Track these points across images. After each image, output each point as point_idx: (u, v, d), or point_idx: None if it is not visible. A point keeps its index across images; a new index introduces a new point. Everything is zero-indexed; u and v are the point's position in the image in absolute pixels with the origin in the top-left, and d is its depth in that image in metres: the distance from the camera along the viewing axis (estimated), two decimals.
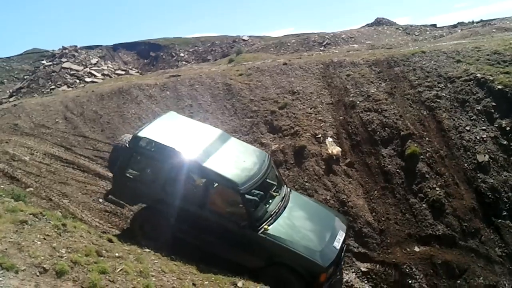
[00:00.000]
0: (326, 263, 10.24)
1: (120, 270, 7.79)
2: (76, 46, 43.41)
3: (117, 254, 8.53)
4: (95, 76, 36.10)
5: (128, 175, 11.49)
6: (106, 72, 37.80)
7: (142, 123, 17.69)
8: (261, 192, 11.30)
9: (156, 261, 9.33)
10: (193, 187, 11.32)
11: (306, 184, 15.25)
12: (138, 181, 11.47)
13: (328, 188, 15.14)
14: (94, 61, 40.73)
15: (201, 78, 20.97)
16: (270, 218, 10.63)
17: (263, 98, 19.12)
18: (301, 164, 15.95)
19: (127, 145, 11.56)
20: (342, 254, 11.41)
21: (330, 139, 16.43)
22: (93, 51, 47.56)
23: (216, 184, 11.02)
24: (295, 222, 11.03)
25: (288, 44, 36.21)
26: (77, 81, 34.52)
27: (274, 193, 11.63)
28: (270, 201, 11.31)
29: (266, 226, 10.41)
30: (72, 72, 36.13)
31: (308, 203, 12.47)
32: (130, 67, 46.35)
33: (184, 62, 46.38)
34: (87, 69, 37.39)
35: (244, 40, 48.09)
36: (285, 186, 12.20)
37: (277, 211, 10.90)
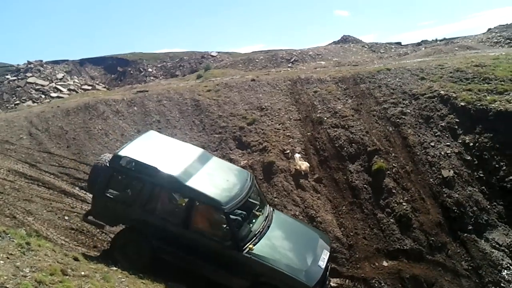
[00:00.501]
0: (311, 283, 10.14)
1: None
2: (41, 60, 42.83)
3: (83, 273, 8.31)
4: (61, 91, 35.61)
5: (108, 195, 11.18)
6: (72, 87, 37.33)
7: (109, 139, 17.51)
8: (244, 212, 11.13)
9: (123, 280, 9.13)
10: (175, 206, 11.12)
11: (275, 199, 15.26)
12: (119, 201, 11.13)
13: (297, 203, 15.19)
14: (60, 76, 40.20)
15: (169, 93, 20.87)
16: (255, 238, 10.47)
17: (231, 114, 19.13)
18: (270, 179, 15.98)
19: (107, 165, 11.26)
20: (327, 273, 11.30)
21: (298, 155, 16.52)
22: (59, 65, 46.83)
23: (199, 204, 10.67)
24: (280, 242, 10.92)
25: (257, 60, 36.45)
26: (43, 96, 33.99)
27: (258, 213, 11.46)
28: (254, 220, 11.14)
29: (251, 246, 10.25)
30: (37, 87, 35.58)
31: (291, 223, 12.36)
32: (97, 82, 45.87)
33: (152, 78, 46.16)
34: (53, 84, 36.87)
35: (212, 56, 48.23)
36: (267, 205, 12.06)
37: (261, 230, 10.74)
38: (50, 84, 36.57)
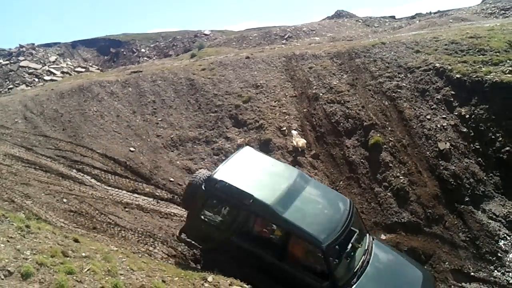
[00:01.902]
0: None
1: (88, 270, 7.63)
2: (33, 44, 42.42)
3: (83, 254, 8.34)
4: (54, 74, 35.33)
5: (202, 217, 10.80)
6: (65, 70, 37.05)
7: (105, 121, 17.46)
8: (344, 246, 10.03)
9: (124, 260, 9.17)
10: (271, 236, 10.35)
11: None
12: (213, 225, 10.76)
13: None
14: (52, 59, 39.85)
15: (163, 73, 20.73)
16: (354, 276, 9.63)
17: (226, 92, 19.06)
18: None
19: (203, 188, 10.87)
20: None
21: (295, 132, 16.53)
22: (51, 48, 46.42)
23: (296, 238, 9.83)
24: (380, 282, 9.99)
25: (250, 38, 36.20)
26: (36, 79, 33.72)
27: (357, 245, 10.36)
28: (353, 253, 10.11)
29: None
30: (30, 71, 35.28)
31: (391, 256, 11.22)
32: (90, 64, 45.50)
33: (145, 58, 45.80)
34: (46, 67, 36.57)
35: (205, 34, 47.81)
36: (368, 235, 11.06)
37: (360, 266, 9.86)
38: (43, 67, 36.28)
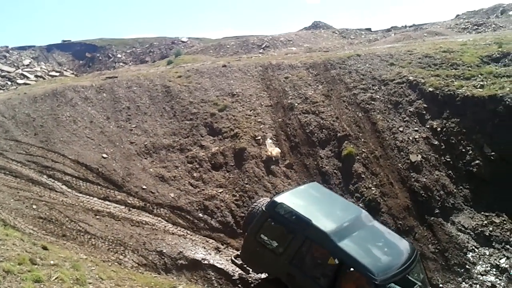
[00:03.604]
0: None
1: (56, 278, 7.53)
2: (7, 46, 41.71)
3: (52, 262, 8.24)
4: (27, 78, 34.69)
5: (258, 240, 10.65)
6: (39, 74, 36.42)
7: (78, 126, 17.24)
8: None
9: (93, 268, 9.09)
10: (324, 265, 10.03)
11: (247, 186, 15.31)
12: (268, 248, 10.57)
13: (268, 189, 15.28)
14: (26, 62, 39.25)
15: (139, 79, 20.61)
16: None
17: (202, 100, 19.03)
18: (241, 166, 16.01)
19: (263, 208, 10.85)
20: None
21: (269, 141, 16.59)
22: (25, 52, 45.62)
23: (349, 269, 9.51)
24: None
25: (228, 46, 36.26)
26: (9, 83, 33.03)
27: None
28: None
29: None
30: (3, 74, 34.56)
31: None
32: (65, 69, 44.83)
33: (121, 64, 45.36)
34: (19, 71, 35.91)
35: (183, 41, 47.66)
36: None
37: None
38: (17, 71, 35.62)
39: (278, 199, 10.74)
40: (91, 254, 11.70)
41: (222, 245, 13.72)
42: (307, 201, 11.01)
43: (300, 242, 10.01)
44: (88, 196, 14.42)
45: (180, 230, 13.90)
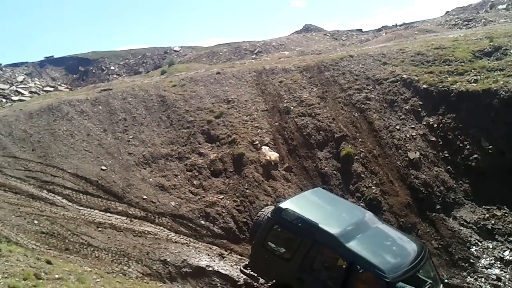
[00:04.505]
0: None
1: None
2: (0, 64, 41.63)
3: (57, 276, 8.21)
4: (22, 94, 34.68)
5: (266, 248, 10.59)
6: (33, 90, 36.44)
7: (75, 140, 17.22)
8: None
9: (98, 280, 9.07)
10: (334, 267, 9.97)
11: (247, 191, 15.32)
12: (276, 255, 10.52)
13: (269, 193, 15.31)
14: (20, 78, 39.27)
15: (134, 91, 20.61)
16: None
17: (198, 108, 19.05)
18: (241, 171, 16.03)
19: (269, 215, 10.82)
20: None
21: (265, 147, 16.65)
22: (18, 68, 45.68)
23: (359, 269, 9.47)
24: None
25: (220, 53, 36.36)
26: (4, 100, 32.99)
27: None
28: None
29: None
30: None
31: None
32: (59, 83, 44.85)
33: (115, 76, 45.41)
34: (14, 87, 35.91)
35: (175, 51, 47.79)
36: (441, 286, 10.47)
37: None
38: (11, 88, 35.63)
39: (283, 205, 10.71)
40: (95, 266, 11.70)
41: (226, 251, 13.76)
42: (312, 205, 11.02)
43: (308, 246, 9.94)
44: (89, 209, 14.39)
45: (183, 238, 13.91)
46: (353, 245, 9.53)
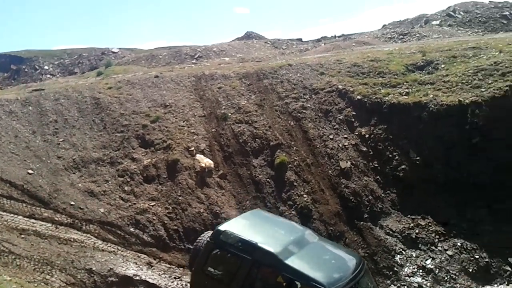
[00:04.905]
0: None
1: None
2: None
3: None
4: None
5: (207, 272, 10.27)
6: None
7: (1, 142, 16.45)
8: None
9: None
10: (275, 286, 9.80)
11: (180, 198, 15.15)
12: (216, 279, 10.22)
13: (202, 200, 15.20)
14: None
15: (67, 92, 19.98)
16: None
17: (134, 111, 18.70)
18: (174, 178, 15.84)
19: (208, 239, 10.51)
20: None
21: (200, 156, 16.53)
22: None
23: (300, 285, 9.32)
24: None
25: (160, 56, 35.95)
26: None
27: None
28: None
29: None
30: None
31: None
32: None
33: (49, 76, 43.86)
34: None
35: (114, 52, 46.80)
36: None
37: None
38: None
39: (222, 227, 10.54)
40: (16, 275, 11.15)
41: (155, 259, 13.51)
42: (251, 226, 10.93)
43: (248, 266, 9.83)
44: (12, 215, 13.71)
45: (110, 246, 13.53)
46: (292, 261, 9.52)
